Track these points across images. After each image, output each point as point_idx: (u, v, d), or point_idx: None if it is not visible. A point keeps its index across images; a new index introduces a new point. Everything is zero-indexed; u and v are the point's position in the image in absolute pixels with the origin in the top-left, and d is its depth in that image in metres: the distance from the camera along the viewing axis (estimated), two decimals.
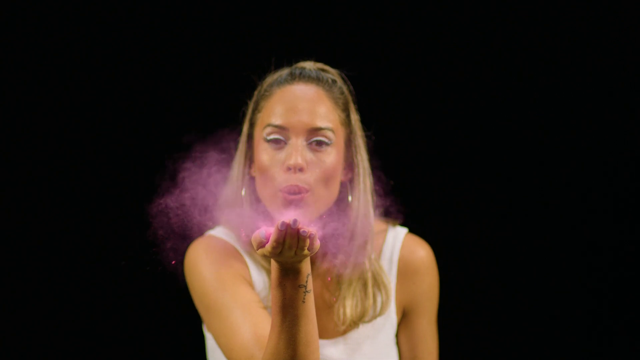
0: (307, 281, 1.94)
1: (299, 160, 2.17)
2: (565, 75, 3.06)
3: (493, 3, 3.05)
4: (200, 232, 2.26)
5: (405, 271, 2.34)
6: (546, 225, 3.10)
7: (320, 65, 2.30)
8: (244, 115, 2.31)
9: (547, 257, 3.11)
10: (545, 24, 3.05)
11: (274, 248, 1.86)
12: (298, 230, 1.84)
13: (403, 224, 2.38)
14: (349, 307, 2.25)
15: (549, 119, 3.08)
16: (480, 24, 3.06)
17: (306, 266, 1.94)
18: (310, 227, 1.87)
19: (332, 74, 2.29)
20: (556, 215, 3.10)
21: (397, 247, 2.35)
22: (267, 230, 1.89)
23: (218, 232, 2.29)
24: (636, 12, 3.02)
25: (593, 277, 3.11)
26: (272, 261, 1.94)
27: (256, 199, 2.25)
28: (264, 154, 2.21)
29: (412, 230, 2.39)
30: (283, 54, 2.33)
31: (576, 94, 3.06)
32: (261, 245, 1.90)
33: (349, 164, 2.27)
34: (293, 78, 2.25)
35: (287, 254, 1.88)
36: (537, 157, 3.10)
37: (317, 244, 1.90)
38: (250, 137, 2.28)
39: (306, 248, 1.87)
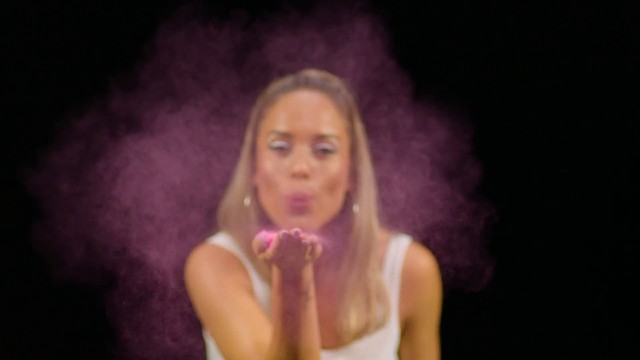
0: (308, 288, 1.94)
1: (304, 167, 2.17)
2: (565, 75, 3.06)
3: (492, 4, 3.04)
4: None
5: (408, 282, 2.34)
6: (546, 225, 3.10)
7: (324, 74, 2.29)
8: (247, 123, 2.31)
9: (547, 257, 3.11)
10: (545, 24, 3.05)
11: (275, 254, 1.88)
12: (300, 240, 1.84)
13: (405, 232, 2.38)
14: (353, 318, 2.24)
15: (549, 119, 3.07)
16: (479, 24, 3.05)
17: (308, 273, 1.94)
18: (312, 235, 1.87)
19: (336, 82, 2.28)
20: (556, 215, 3.10)
21: (399, 257, 2.34)
22: (267, 235, 1.90)
23: (220, 240, 2.29)
24: (636, 12, 3.01)
25: (593, 277, 3.11)
26: (274, 267, 1.95)
27: (259, 208, 2.25)
28: (268, 161, 2.20)
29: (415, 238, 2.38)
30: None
31: (576, 94, 3.06)
32: (262, 249, 1.91)
33: (353, 173, 2.27)
34: (297, 85, 2.25)
35: (289, 259, 1.89)
36: (537, 157, 3.09)
37: (319, 249, 1.91)
38: (253, 145, 2.27)
39: (307, 254, 1.88)
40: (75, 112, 2.34)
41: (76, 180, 2.32)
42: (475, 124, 2.94)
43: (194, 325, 2.38)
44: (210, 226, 2.37)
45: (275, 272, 1.95)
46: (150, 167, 2.29)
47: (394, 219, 2.35)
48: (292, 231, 1.84)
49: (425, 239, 2.36)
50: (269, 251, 1.88)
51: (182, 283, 2.33)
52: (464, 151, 2.41)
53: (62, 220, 2.33)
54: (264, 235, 1.90)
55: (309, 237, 1.86)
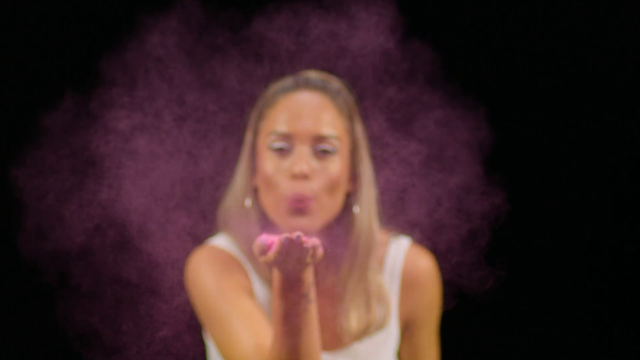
0: (309, 291, 1.94)
1: (305, 168, 2.17)
2: (565, 75, 3.05)
3: (492, 4, 3.04)
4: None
5: (408, 283, 2.34)
6: (546, 225, 3.09)
7: (324, 75, 2.29)
8: (247, 124, 2.30)
9: (547, 257, 3.11)
10: (545, 23, 3.04)
11: (276, 258, 1.87)
12: (301, 244, 1.84)
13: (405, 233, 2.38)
14: (353, 320, 2.24)
15: (549, 119, 3.07)
16: (479, 24, 3.05)
17: (308, 276, 1.94)
18: (313, 238, 1.88)
19: (336, 83, 2.28)
20: (556, 215, 3.10)
21: (399, 258, 2.34)
22: (268, 239, 1.90)
23: (220, 242, 2.29)
24: (636, 12, 3.01)
25: (593, 277, 3.10)
26: (274, 270, 1.95)
27: (259, 209, 2.25)
28: (268, 162, 2.20)
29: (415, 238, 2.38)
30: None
31: (576, 94, 3.06)
32: (263, 252, 1.90)
33: (353, 174, 2.26)
34: (298, 86, 2.24)
35: (290, 263, 1.89)
36: (537, 157, 3.09)
37: (320, 252, 1.91)
38: (253, 146, 2.27)
39: (309, 257, 1.88)
40: (66, 108, 2.33)
41: (67, 178, 2.31)
42: (490, 126, 2.94)
43: (194, 326, 2.38)
44: (210, 227, 2.37)
45: (276, 275, 1.95)
46: (148, 166, 2.29)
47: (395, 219, 2.35)
48: (294, 235, 1.84)
49: (426, 240, 2.36)
50: (271, 254, 1.88)
51: (181, 284, 2.33)
52: (470, 149, 2.41)
53: (53, 220, 2.32)
54: (265, 239, 1.90)
55: (311, 241, 1.86)
